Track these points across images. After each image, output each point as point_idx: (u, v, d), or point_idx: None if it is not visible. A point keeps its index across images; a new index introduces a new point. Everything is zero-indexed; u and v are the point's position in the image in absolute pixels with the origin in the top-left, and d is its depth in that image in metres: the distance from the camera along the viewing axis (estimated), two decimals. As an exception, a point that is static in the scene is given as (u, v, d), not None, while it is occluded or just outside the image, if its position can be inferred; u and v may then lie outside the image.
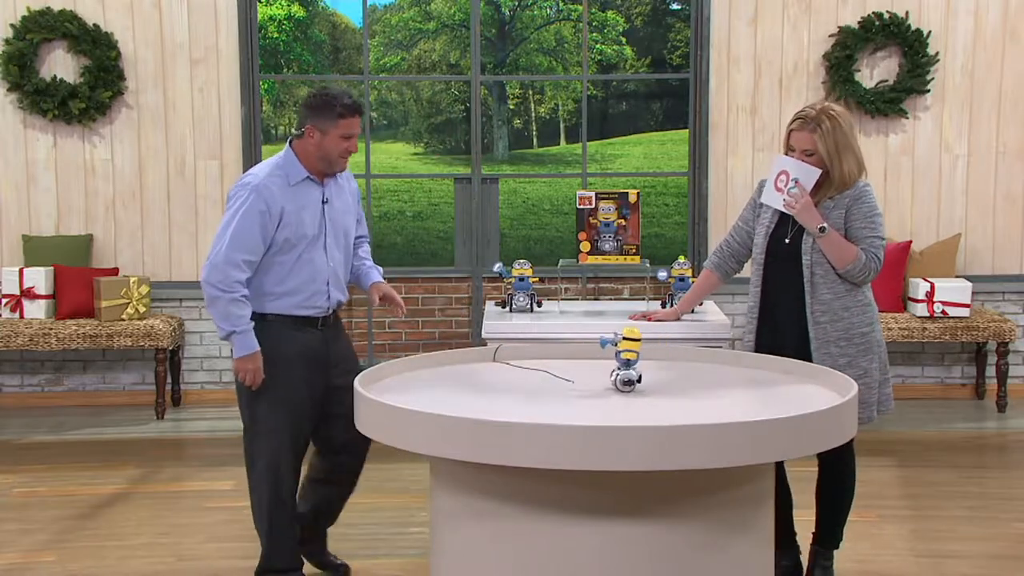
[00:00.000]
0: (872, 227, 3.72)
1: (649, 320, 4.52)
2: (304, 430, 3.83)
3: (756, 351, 3.82)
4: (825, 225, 3.69)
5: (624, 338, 3.27)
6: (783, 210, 3.75)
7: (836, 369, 3.54)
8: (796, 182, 3.71)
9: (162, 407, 6.52)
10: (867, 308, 3.77)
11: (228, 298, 3.61)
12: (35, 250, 6.61)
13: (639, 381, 3.28)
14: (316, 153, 3.69)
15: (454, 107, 13.85)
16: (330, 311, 3.84)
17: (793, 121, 3.76)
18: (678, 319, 4.53)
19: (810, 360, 3.70)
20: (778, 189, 3.76)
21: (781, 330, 3.81)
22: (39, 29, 6.57)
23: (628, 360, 3.26)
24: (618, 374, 3.27)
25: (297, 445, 3.81)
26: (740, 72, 6.79)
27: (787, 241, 3.80)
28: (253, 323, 3.67)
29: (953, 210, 6.86)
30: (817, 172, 3.71)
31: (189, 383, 6.89)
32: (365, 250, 4.10)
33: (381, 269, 4.10)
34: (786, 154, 3.78)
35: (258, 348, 3.67)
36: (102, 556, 4.34)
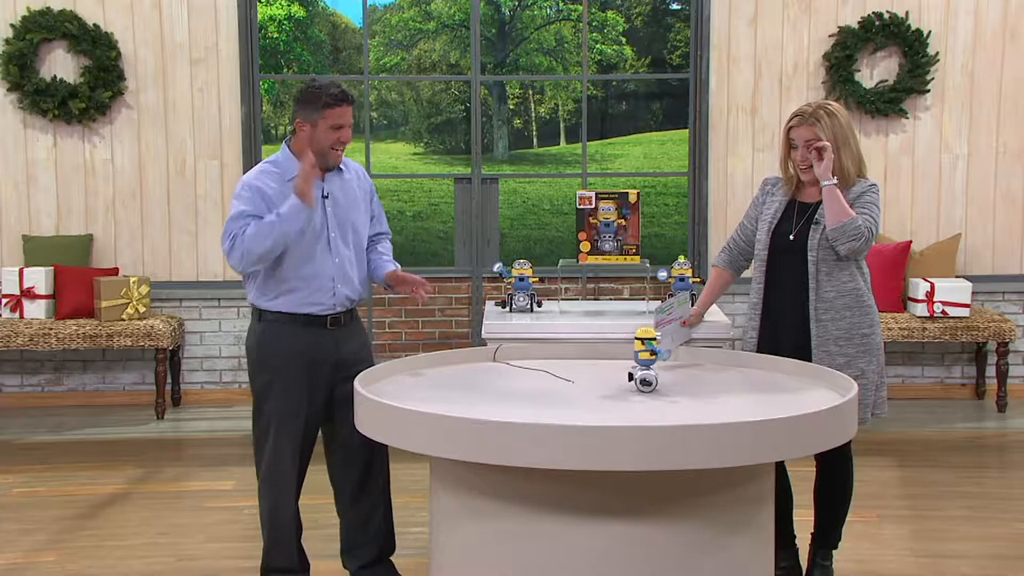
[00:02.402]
0: (870, 211, 3.71)
1: (685, 325, 4.20)
2: (307, 433, 3.77)
3: (758, 348, 3.83)
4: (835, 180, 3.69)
5: (639, 339, 3.28)
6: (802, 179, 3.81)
7: (834, 368, 3.55)
8: (674, 307, 3.91)
9: (162, 407, 6.52)
10: (869, 310, 3.77)
11: (246, 234, 3.57)
12: (35, 250, 6.61)
13: (656, 384, 3.28)
14: (309, 147, 3.65)
15: (454, 107, 13.85)
16: (338, 309, 3.77)
17: (792, 118, 3.78)
18: (701, 321, 4.26)
19: (809, 358, 3.70)
20: (667, 322, 3.88)
21: (782, 327, 3.81)
22: (39, 29, 6.57)
23: (646, 360, 3.27)
24: (638, 375, 3.27)
25: (296, 448, 3.75)
26: (740, 72, 6.79)
27: (792, 238, 3.80)
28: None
29: (953, 210, 6.86)
30: (686, 295, 3.99)
31: (189, 383, 6.89)
32: (385, 246, 4.00)
33: (398, 265, 3.97)
34: (788, 149, 3.80)
35: (296, 198, 3.56)
36: (102, 556, 4.34)
